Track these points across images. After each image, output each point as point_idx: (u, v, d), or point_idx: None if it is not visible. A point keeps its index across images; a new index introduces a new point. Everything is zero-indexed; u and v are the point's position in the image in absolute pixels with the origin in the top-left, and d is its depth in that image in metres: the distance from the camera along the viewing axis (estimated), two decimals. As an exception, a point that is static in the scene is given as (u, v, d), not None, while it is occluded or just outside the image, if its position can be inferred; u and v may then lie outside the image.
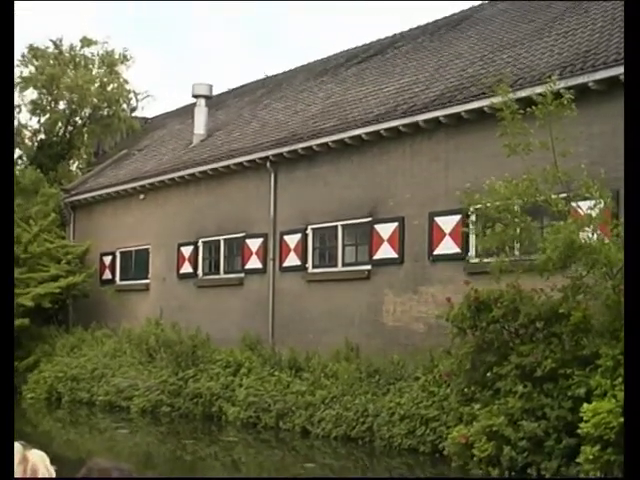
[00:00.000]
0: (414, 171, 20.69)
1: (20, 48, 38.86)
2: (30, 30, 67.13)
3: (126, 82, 39.69)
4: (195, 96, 31.49)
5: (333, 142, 22.44)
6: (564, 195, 15.30)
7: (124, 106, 39.75)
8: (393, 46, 29.17)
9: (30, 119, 39.41)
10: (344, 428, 18.60)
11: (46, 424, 25.79)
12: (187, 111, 36.64)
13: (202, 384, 22.74)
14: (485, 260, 17.47)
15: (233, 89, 37.48)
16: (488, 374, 15.22)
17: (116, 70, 39.38)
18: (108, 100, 39.05)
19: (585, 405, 13.52)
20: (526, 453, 14.40)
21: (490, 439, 14.55)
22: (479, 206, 16.77)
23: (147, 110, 42.09)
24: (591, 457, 13.15)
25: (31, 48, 38.35)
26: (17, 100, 38.67)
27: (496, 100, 15.64)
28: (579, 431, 13.51)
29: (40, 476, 3.22)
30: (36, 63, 38.22)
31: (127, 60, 39.40)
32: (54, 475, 3.28)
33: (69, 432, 24.57)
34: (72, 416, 25.85)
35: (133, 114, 40.32)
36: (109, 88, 39.25)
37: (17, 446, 3.30)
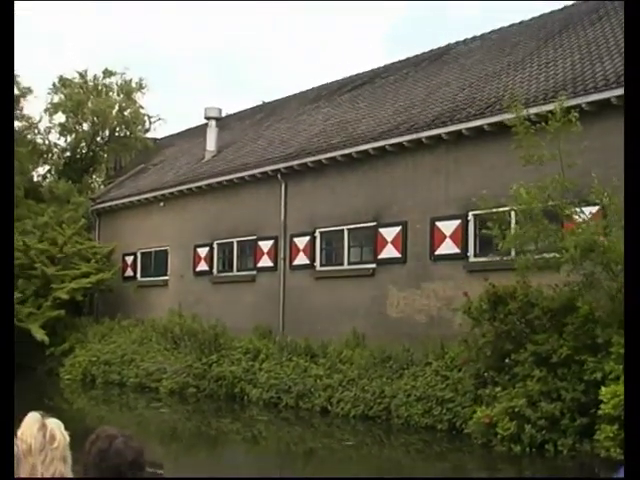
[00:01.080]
0: (416, 181, 19.46)
1: (52, 79, 37.43)
2: (59, 63, 65.65)
3: (141, 107, 38.25)
4: (207, 118, 30.16)
5: (341, 156, 21.13)
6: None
7: (139, 127, 38.22)
8: (379, 76, 28.00)
9: (59, 139, 37.75)
10: (362, 408, 17.22)
11: (81, 402, 24.24)
12: (193, 132, 35.42)
13: (225, 368, 21.23)
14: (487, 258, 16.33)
15: (233, 114, 36.10)
16: (506, 360, 13.96)
17: (133, 97, 37.84)
18: (126, 123, 37.67)
19: (604, 388, 12.36)
20: (544, 431, 13.22)
21: (512, 419, 13.32)
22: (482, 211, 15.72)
23: (154, 131, 40.22)
24: (611, 435, 12.00)
25: (61, 78, 36.86)
26: (47, 123, 37.33)
27: (510, 117, 14.44)
28: (599, 412, 12.35)
29: (57, 440, 3.18)
30: (65, 91, 36.61)
31: (142, 88, 37.90)
32: (68, 439, 3.21)
33: (102, 409, 23.00)
34: (105, 395, 24.23)
35: (147, 134, 38.74)
36: (126, 112, 37.81)
37: (36, 415, 3.25)
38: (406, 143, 19.39)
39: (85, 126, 37.40)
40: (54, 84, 36.63)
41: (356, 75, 30.50)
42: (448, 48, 27.04)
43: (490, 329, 14.13)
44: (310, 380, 18.86)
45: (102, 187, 37.09)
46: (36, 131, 36.46)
